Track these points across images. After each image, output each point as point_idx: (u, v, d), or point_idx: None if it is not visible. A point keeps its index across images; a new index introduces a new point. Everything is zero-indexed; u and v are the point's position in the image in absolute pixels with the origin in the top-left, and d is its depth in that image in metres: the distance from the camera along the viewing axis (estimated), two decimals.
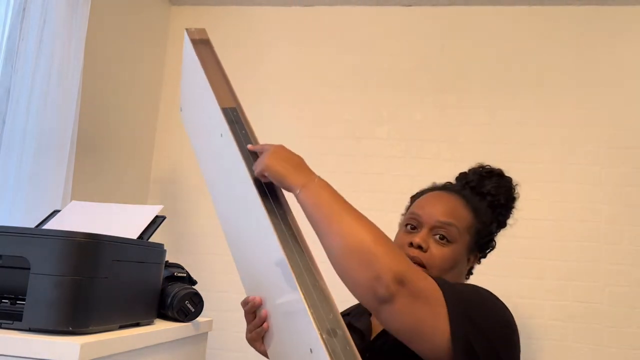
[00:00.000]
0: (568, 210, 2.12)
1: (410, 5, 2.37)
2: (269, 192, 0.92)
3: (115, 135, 2.13)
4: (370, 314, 1.08)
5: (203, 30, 1.29)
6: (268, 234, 0.86)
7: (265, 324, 0.96)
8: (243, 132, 1.00)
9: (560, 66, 2.23)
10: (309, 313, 0.76)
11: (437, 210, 1.01)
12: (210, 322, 1.35)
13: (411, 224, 1.03)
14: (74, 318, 0.86)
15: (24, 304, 0.86)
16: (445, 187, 1.12)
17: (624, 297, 2.03)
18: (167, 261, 1.24)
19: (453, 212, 1.01)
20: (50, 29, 1.57)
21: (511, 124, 2.22)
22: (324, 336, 0.73)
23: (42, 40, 1.56)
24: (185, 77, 1.36)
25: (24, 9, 1.57)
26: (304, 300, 0.77)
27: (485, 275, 2.29)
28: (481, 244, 1.06)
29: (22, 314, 0.85)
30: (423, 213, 1.02)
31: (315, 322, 0.74)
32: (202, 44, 1.22)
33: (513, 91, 2.24)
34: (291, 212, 0.90)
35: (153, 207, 1.22)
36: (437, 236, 0.99)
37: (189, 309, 1.18)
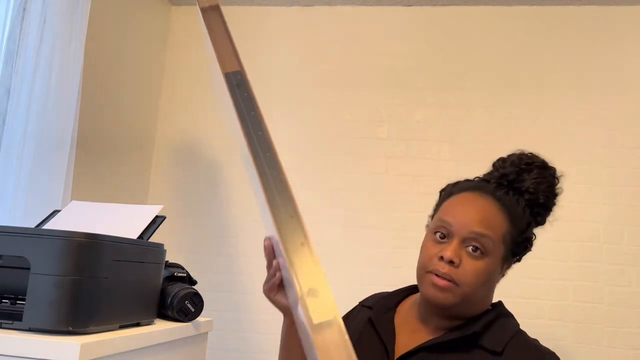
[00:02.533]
0: (568, 211, 2.12)
1: (410, 5, 2.37)
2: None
3: (115, 135, 2.13)
4: (394, 312, 1.02)
5: None
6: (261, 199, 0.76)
7: (278, 274, 0.85)
8: (245, 94, 0.90)
9: (560, 66, 2.23)
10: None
11: (471, 219, 0.90)
12: (210, 322, 1.35)
13: (441, 232, 0.92)
14: (74, 318, 0.86)
15: (24, 304, 0.86)
16: (479, 187, 0.98)
17: (624, 297, 2.03)
18: (167, 261, 1.24)
19: (488, 222, 0.90)
20: (50, 29, 1.57)
21: (511, 124, 2.22)
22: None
23: (42, 40, 1.56)
24: (206, 48, 1.31)
25: (24, 9, 1.57)
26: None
27: None
28: (516, 250, 0.96)
29: (22, 314, 0.85)
30: (454, 222, 0.91)
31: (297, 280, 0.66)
32: (211, 10, 1.14)
33: (513, 91, 2.24)
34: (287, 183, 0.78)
35: (153, 207, 1.22)
36: (470, 248, 0.89)
37: (189, 309, 1.18)
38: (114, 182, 2.13)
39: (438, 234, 0.92)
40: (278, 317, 1.04)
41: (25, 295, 0.86)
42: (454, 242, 0.89)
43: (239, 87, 0.91)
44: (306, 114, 2.35)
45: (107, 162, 2.08)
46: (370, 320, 1.01)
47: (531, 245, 0.99)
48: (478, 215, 0.90)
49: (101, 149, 2.03)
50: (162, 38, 2.49)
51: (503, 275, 0.98)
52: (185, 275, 1.29)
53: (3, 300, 0.92)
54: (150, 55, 2.40)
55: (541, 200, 0.98)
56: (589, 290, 2.06)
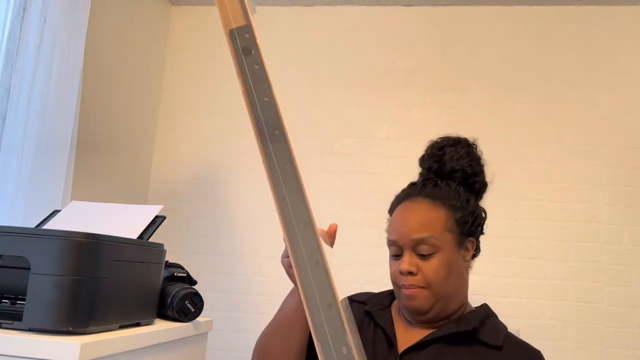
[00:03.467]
0: (568, 210, 2.12)
1: (410, 5, 2.37)
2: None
3: (115, 135, 2.13)
4: (390, 308, 1.06)
5: None
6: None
7: None
8: (255, 67, 0.70)
9: (560, 66, 2.23)
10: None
11: (408, 229, 0.96)
12: (210, 322, 1.35)
13: (393, 250, 1.00)
14: (74, 318, 0.86)
15: (24, 304, 0.86)
16: (407, 195, 1.05)
17: (624, 297, 2.03)
18: (167, 261, 1.24)
19: (423, 223, 0.96)
20: (50, 29, 1.57)
21: (511, 124, 2.22)
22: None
23: (42, 40, 1.56)
24: None
25: (24, 9, 1.57)
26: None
27: (485, 275, 2.29)
28: (467, 229, 0.99)
29: (22, 314, 0.85)
30: (398, 237, 0.98)
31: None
32: None
33: (513, 91, 2.24)
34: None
35: (153, 207, 1.22)
36: (420, 253, 0.95)
37: (189, 309, 1.18)
38: (114, 182, 2.13)
39: (392, 253, 1.00)
40: None
41: (25, 295, 0.86)
42: (406, 255, 0.96)
43: (246, 53, 0.69)
44: (306, 114, 2.35)
45: (107, 162, 2.08)
46: (369, 314, 1.04)
47: (482, 215, 1.02)
48: (413, 221, 0.97)
49: (101, 149, 2.03)
50: (162, 38, 2.49)
51: (474, 255, 1.02)
52: (185, 275, 1.29)
53: (3, 300, 0.92)
54: (150, 55, 2.40)
55: (469, 171, 1.02)
56: (589, 290, 2.05)
